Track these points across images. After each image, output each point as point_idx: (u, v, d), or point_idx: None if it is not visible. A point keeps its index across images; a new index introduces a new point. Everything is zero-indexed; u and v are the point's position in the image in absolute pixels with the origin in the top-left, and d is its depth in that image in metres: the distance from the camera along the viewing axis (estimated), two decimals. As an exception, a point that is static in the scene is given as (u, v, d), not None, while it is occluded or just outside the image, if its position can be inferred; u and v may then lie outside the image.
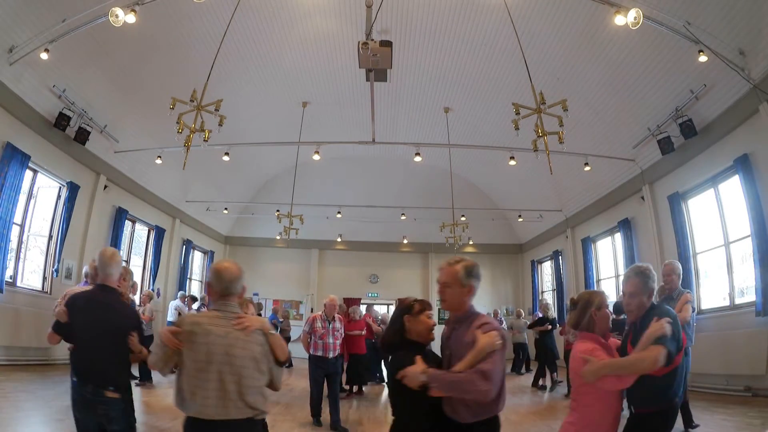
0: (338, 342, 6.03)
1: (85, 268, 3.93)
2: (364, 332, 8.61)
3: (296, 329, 13.76)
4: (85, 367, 2.51)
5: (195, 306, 11.10)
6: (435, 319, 2.32)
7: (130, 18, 5.93)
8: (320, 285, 16.43)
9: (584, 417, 2.26)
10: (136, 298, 8.17)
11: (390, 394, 2.25)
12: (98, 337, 2.51)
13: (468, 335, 2.02)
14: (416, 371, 1.96)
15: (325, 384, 5.83)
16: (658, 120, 8.14)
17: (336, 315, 6.21)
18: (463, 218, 12.44)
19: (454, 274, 2.14)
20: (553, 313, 10.28)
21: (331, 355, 5.84)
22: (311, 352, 5.89)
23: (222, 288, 2.13)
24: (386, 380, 9.12)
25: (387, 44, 5.41)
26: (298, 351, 8.47)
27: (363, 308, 11.50)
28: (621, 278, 10.49)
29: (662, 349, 2.10)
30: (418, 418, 2.07)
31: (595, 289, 11.57)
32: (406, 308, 2.25)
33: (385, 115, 11.23)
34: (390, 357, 2.27)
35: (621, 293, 2.82)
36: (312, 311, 12.69)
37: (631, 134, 8.91)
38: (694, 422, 4.58)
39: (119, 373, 2.57)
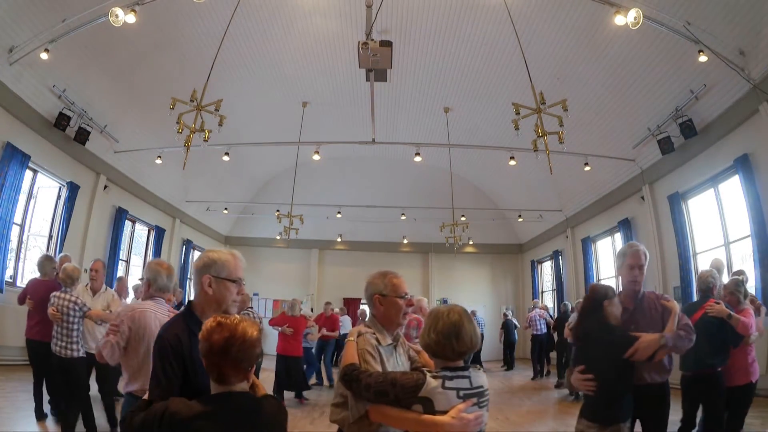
0: None
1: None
2: (314, 330, 8.82)
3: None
4: None
5: None
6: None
7: (130, 18, 5.93)
8: (320, 285, 16.44)
9: None
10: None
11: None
12: None
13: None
14: (653, 339, 2.38)
15: None
16: (658, 120, 8.14)
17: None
18: (463, 218, 12.43)
19: None
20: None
21: None
22: None
23: None
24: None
25: (387, 44, 5.40)
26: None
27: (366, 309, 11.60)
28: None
29: None
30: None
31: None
32: (604, 296, 2.51)
33: (385, 115, 11.23)
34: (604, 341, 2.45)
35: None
36: (312, 311, 12.67)
37: (631, 134, 8.91)
38: None
39: None
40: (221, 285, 1.77)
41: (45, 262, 5.10)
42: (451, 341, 1.66)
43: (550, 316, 11.23)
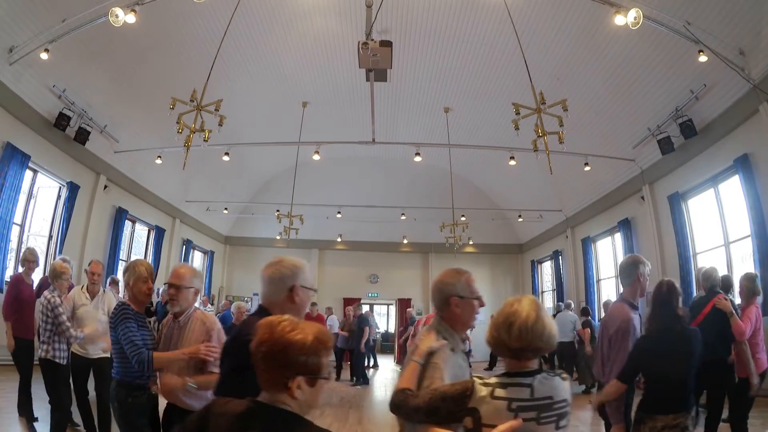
0: None
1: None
2: None
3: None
4: None
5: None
6: None
7: (130, 18, 5.93)
8: (320, 285, 16.42)
9: None
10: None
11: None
12: None
13: None
14: None
15: None
16: (658, 120, 8.14)
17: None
18: (463, 218, 12.42)
19: None
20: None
21: None
22: None
23: None
24: None
25: (387, 44, 5.40)
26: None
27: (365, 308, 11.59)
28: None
29: None
30: None
31: (595, 289, 11.60)
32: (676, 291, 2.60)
33: (385, 115, 11.22)
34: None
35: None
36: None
37: (631, 134, 8.91)
38: None
39: None
40: (305, 294, 1.81)
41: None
42: (502, 335, 1.45)
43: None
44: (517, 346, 1.43)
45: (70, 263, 4.48)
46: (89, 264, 4.50)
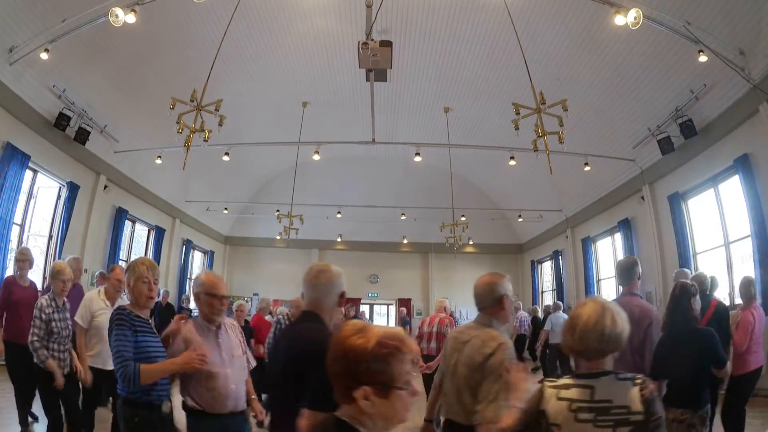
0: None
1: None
2: None
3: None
4: None
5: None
6: None
7: (130, 18, 5.93)
8: (320, 285, 16.41)
9: None
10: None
11: None
12: None
13: None
14: None
15: None
16: (658, 120, 8.14)
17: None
18: (463, 218, 12.43)
19: None
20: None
21: None
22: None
23: None
24: None
25: (387, 44, 5.41)
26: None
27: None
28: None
29: None
30: None
31: (595, 289, 11.61)
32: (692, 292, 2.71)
33: (385, 115, 11.21)
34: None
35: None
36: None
37: (631, 134, 8.91)
38: None
39: None
40: (344, 299, 2.07)
41: None
42: (567, 339, 1.51)
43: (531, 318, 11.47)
44: (579, 348, 1.48)
45: (80, 263, 4.28)
46: (111, 270, 4.11)
